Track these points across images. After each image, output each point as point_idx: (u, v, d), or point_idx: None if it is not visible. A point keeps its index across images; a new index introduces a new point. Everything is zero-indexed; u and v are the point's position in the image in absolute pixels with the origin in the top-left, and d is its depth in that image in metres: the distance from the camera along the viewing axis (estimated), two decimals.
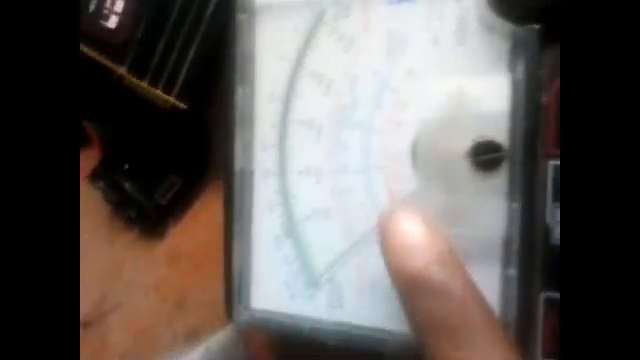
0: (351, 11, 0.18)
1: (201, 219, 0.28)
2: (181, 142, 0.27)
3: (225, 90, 0.20)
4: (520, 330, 0.16)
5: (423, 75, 0.17)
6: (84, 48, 0.23)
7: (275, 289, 0.20)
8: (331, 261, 0.19)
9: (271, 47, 0.20)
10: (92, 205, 0.30)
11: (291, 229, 0.20)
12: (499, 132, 0.16)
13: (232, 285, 0.21)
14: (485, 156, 0.16)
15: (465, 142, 0.16)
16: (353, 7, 0.18)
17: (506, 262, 0.16)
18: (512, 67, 0.16)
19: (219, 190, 0.28)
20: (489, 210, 0.16)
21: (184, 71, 0.22)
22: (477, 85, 0.16)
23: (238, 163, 0.20)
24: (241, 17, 0.20)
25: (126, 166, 0.27)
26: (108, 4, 0.22)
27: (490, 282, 0.17)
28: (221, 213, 0.28)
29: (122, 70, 0.22)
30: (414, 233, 0.14)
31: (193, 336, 0.28)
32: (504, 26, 0.16)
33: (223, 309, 0.23)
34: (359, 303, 0.19)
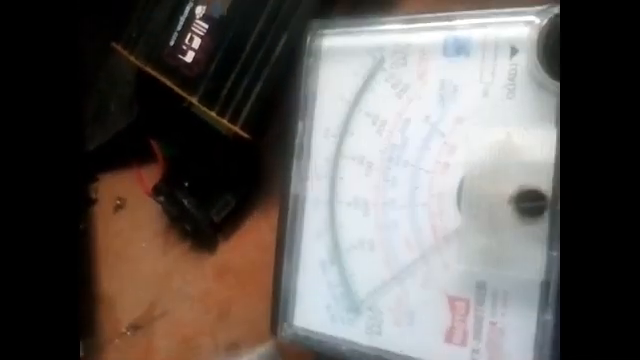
0: (408, 60, 0.20)
1: (250, 239, 0.30)
2: (237, 166, 0.29)
3: (287, 124, 0.22)
4: None
5: (472, 123, 0.19)
6: (162, 77, 0.26)
7: (318, 311, 0.22)
8: (372, 289, 0.21)
9: (332, 88, 0.22)
10: (151, 217, 0.33)
11: (337, 256, 0.21)
12: (543, 182, 0.17)
13: (279, 303, 0.22)
14: (528, 204, 0.17)
15: (510, 188, 0.17)
16: (411, 57, 0.20)
17: (543, 306, 0.17)
18: (558, 122, 0.17)
19: (268, 213, 0.30)
20: (529, 255, 0.17)
21: (249, 105, 0.24)
22: (524, 136, 0.17)
23: (293, 190, 0.22)
24: (308, 60, 0.22)
25: (186, 184, 0.30)
26: (187, 40, 0.25)
27: (526, 324, 0.17)
28: (268, 235, 0.30)
29: (194, 100, 0.25)
30: None
31: (233, 348, 0.29)
32: (553, 84, 0.17)
33: (263, 325, 0.24)
34: (397, 331, 0.20)
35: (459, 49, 0.19)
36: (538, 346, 0.17)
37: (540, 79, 0.17)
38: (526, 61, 0.18)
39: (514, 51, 0.18)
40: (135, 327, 0.33)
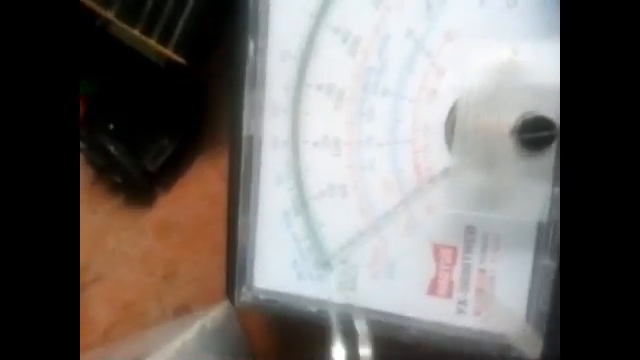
0: None
1: (194, 189, 0.26)
2: (174, 102, 0.24)
3: (235, 46, 0.18)
4: (554, 318, 0.15)
5: (465, 39, 0.15)
6: None
7: (282, 269, 0.19)
8: (345, 241, 0.18)
9: None
10: None
11: (302, 205, 0.18)
12: (551, 108, 0.14)
13: (234, 263, 0.19)
14: (533, 134, 0.14)
15: (511, 117, 0.14)
16: None
17: (540, 250, 0.15)
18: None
19: (216, 158, 0.27)
20: (530, 194, 0.15)
21: (183, 19, 0.19)
22: (529, 53, 0.14)
23: (246, 129, 0.18)
24: None
25: (111, 126, 0.25)
26: None
27: (520, 270, 0.16)
28: (217, 183, 0.27)
29: (110, 15, 0.19)
30: None
31: (183, 311, 0.27)
32: None
33: (216, 284, 0.21)
34: (374, 286, 0.18)
35: None
36: (534, 294, 0.15)
37: None
38: None
39: None
40: None
